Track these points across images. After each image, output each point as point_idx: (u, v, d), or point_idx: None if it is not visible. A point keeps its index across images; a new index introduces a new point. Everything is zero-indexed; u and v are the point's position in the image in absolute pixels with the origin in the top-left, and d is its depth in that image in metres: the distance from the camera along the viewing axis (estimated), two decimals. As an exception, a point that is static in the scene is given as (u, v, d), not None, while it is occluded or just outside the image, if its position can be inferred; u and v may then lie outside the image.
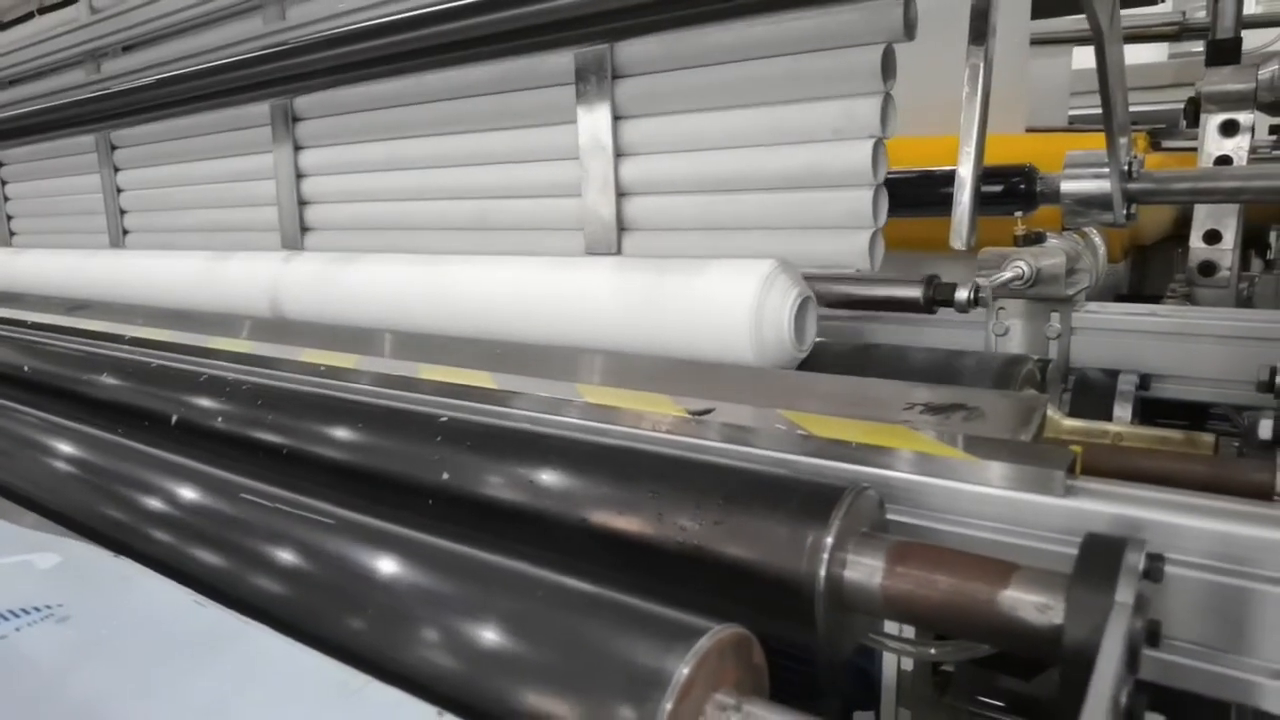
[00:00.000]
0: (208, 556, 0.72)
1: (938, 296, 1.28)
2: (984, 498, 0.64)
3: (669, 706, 0.42)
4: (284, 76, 1.89)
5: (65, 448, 0.93)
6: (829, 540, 0.57)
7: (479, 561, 0.56)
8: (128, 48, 2.71)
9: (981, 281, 1.29)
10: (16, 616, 0.66)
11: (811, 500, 0.59)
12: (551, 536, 0.68)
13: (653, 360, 1.16)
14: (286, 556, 0.65)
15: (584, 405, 0.87)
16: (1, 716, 0.55)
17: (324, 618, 0.59)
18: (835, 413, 0.79)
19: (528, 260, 1.61)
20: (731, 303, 1.16)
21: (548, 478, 0.69)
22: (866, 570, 0.57)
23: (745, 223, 1.48)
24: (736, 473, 0.64)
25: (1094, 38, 1.19)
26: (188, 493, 0.78)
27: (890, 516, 0.66)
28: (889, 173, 1.38)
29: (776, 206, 1.44)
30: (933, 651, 0.66)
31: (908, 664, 1.04)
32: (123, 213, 2.86)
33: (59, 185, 3.13)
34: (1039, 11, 2.11)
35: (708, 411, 0.80)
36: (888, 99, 1.33)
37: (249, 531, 0.70)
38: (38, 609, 0.67)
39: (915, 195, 1.61)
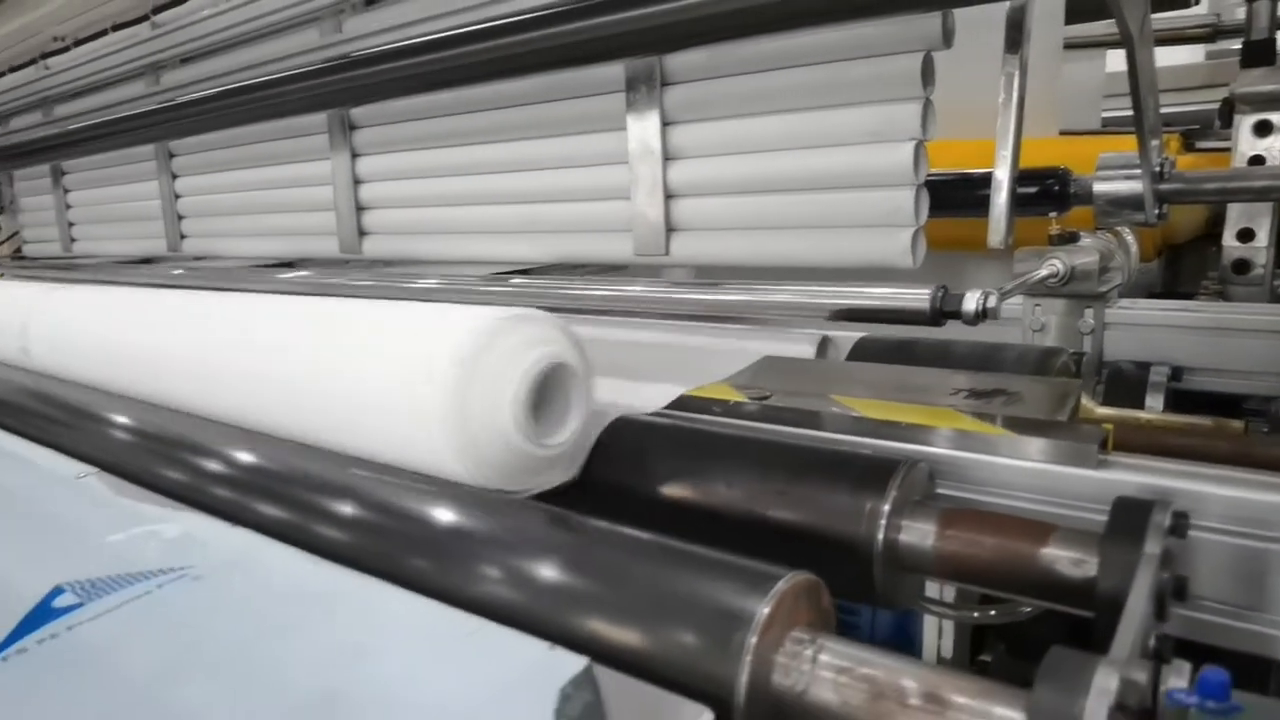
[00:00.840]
0: (314, 525, 0.80)
1: (945, 308, 1.18)
2: (1023, 471, 0.71)
3: (753, 640, 0.49)
4: (342, 89, 1.98)
5: (173, 428, 1.01)
6: (886, 507, 0.64)
7: (574, 520, 0.64)
8: (186, 60, 2.83)
9: (991, 293, 1.26)
10: (155, 576, 0.74)
11: (869, 472, 0.66)
12: (632, 509, 0.76)
13: (702, 355, 1.23)
14: (395, 519, 0.72)
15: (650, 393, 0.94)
16: (164, 657, 0.62)
17: (434, 574, 0.67)
18: (883, 397, 0.86)
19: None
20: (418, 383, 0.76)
21: (631, 454, 0.76)
22: (919, 533, 0.63)
23: (789, 222, 1.55)
24: (799, 448, 0.71)
25: (1124, 42, 1.24)
26: (287, 462, 0.86)
27: (939, 490, 0.72)
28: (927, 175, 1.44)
29: (819, 206, 1.50)
30: (975, 615, 0.72)
31: (948, 646, 1.11)
32: (180, 218, 2.98)
33: (118, 192, 3.26)
34: (1073, 16, 2.16)
35: (766, 397, 0.87)
36: (927, 104, 1.39)
37: (351, 495, 0.78)
38: (173, 569, 0.75)
39: (952, 197, 1.66)
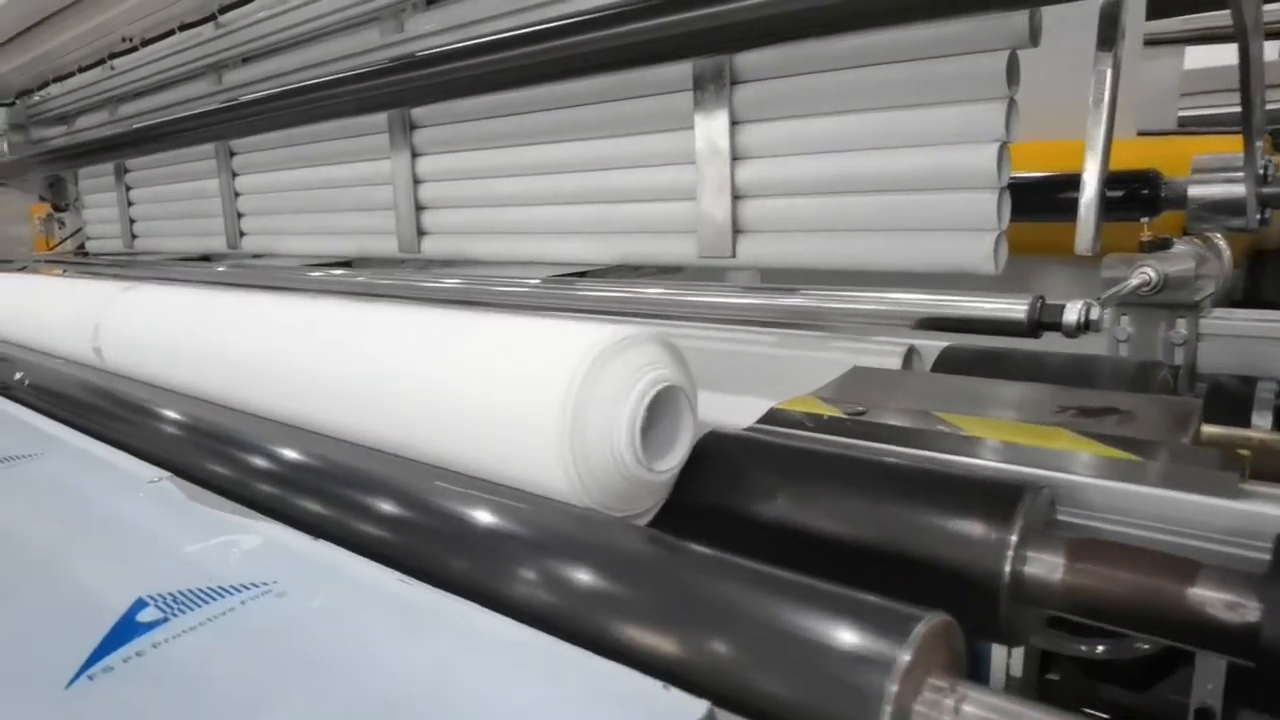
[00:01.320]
0: (400, 538, 0.78)
1: (1044, 319, 1.11)
2: (1153, 499, 0.66)
3: (893, 688, 0.46)
4: (404, 90, 1.97)
5: (257, 438, 1.00)
6: (1013, 537, 0.60)
7: (681, 546, 0.61)
8: (248, 59, 2.86)
9: (1093, 304, 1.19)
10: (239, 591, 0.73)
11: (991, 498, 0.62)
12: (727, 532, 0.72)
13: (780, 364, 1.19)
14: (492, 537, 0.70)
15: (739, 404, 0.91)
16: (253, 677, 0.60)
17: (532, 598, 0.64)
18: (987, 414, 0.81)
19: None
20: (530, 403, 0.71)
21: (725, 473, 0.73)
22: (1047, 566, 0.59)
23: (863, 225, 1.50)
24: (910, 470, 0.67)
25: (1236, 35, 1.17)
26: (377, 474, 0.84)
27: (1059, 517, 0.68)
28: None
29: (896, 209, 1.45)
30: (1100, 649, 0.68)
31: (1017, 665, 1.06)
32: (240, 215, 3.01)
33: (178, 190, 3.31)
34: (1154, 12, 2.08)
35: (861, 412, 0.83)
36: (1011, 103, 1.34)
37: (440, 517, 0.76)
38: (255, 585, 0.73)
39: (1031, 199, 1.60)
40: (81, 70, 3.35)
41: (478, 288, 1.79)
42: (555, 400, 0.67)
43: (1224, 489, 0.63)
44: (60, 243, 4.54)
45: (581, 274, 1.90)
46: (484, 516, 0.69)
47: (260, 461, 0.97)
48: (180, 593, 0.74)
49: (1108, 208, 1.36)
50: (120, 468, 1.08)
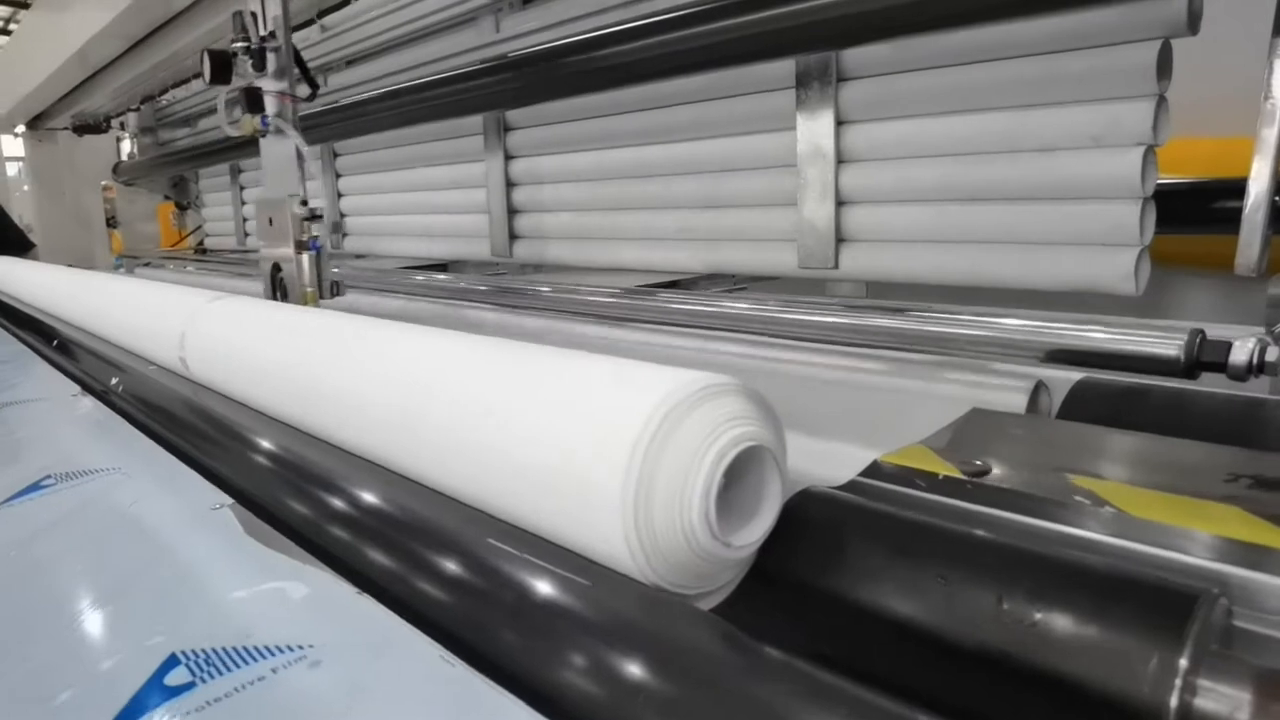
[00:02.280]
0: (445, 601, 0.70)
1: (1204, 357, 0.97)
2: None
3: None
4: (500, 90, 1.92)
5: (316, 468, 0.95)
6: (1183, 661, 0.47)
7: (772, 659, 0.50)
8: (351, 62, 2.88)
9: (1269, 341, 0.99)
10: (273, 655, 0.67)
11: (1154, 605, 0.49)
12: (817, 615, 0.62)
13: (886, 397, 1.06)
14: (544, 613, 0.61)
15: (832, 452, 0.79)
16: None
17: (581, 696, 0.55)
18: (1137, 480, 0.68)
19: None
20: (592, 464, 0.62)
21: (819, 544, 0.62)
22: (1227, 702, 0.46)
23: (980, 235, 1.36)
24: (1049, 561, 0.55)
25: None
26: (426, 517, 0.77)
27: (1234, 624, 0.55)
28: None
29: (1020, 220, 1.30)
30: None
31: None
32: (342, 216, 3.05)
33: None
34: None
35: (984, 472, 0.71)
36: (1160, 101, 1.17)
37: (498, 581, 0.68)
38: (291, 649, 0.67)
39: (1178, 208, 1.42)
40: (196, 75, 3.46)
41: (564, 296, 1.72)
42: (619, 462, 0.57)
43: None
44: (183, 239, 4.74)
45: (668, 284, 1.81)
46: (536, 586, 0.61)
47: (322, 494, 0.92)
48: (215, 651, 0.69)
49: (1277, 219, 1.19)
50: (187, 491, 1.06)
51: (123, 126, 4.33)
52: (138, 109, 4.10)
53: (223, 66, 1.80)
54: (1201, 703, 0.48)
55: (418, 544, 0.72)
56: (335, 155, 3.00)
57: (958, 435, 0.81)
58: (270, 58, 1.78)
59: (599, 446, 0.61)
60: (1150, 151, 1.19)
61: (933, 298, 1.29)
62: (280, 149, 1.84)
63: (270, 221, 1.81)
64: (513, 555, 0.65)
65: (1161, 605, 0.50)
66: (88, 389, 1.66)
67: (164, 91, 3.78)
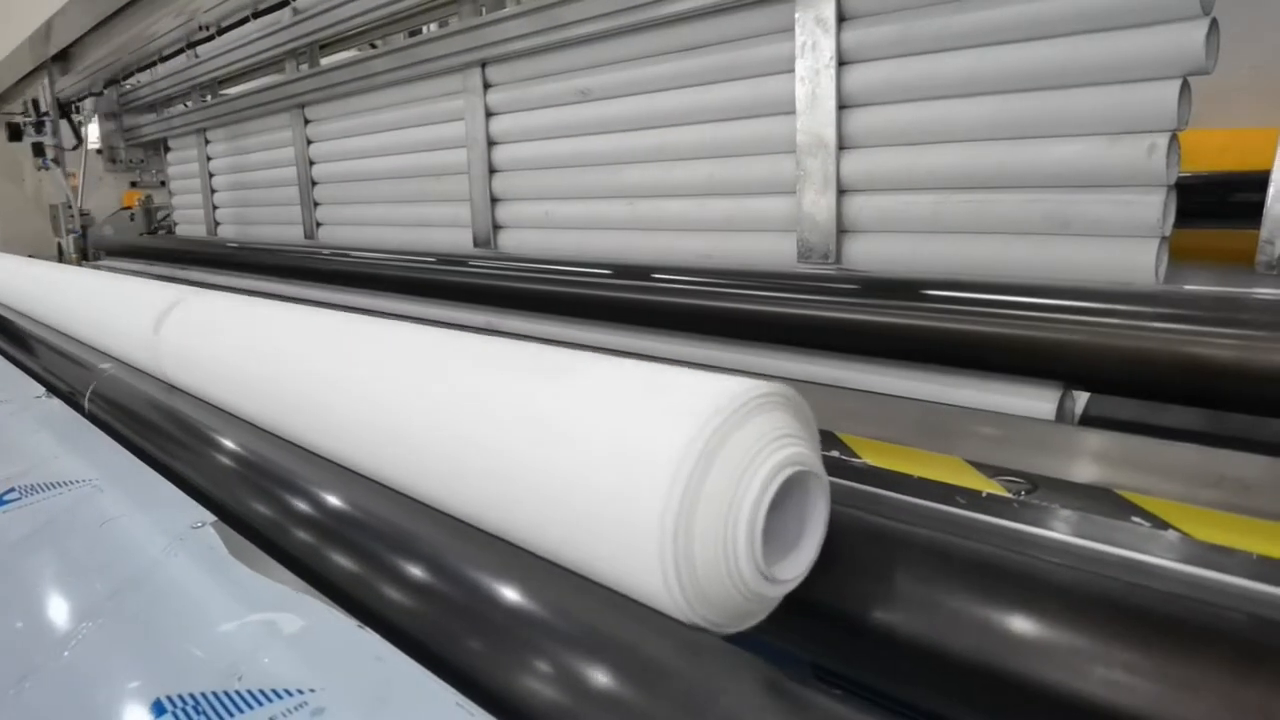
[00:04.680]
0: (458, 639, 0.64)
1: None
2: None
3: None
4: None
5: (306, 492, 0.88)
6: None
7: (820, 705, 0.45)
8: (324, 46, 2.79)
9: None
10: (270, 700, 0.61)
11: (1247, 646, 0.45)
12: (857, 648, 0.57)
13: (903, 405, 1.01)
14: (574, 660, 0.56)
15: (861, 468, 0.75)
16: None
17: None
18: (1193, 498, 0.64)
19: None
20: (624, 493, 0.56)
21: (859, 572, 0.57)
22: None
23: (991, 225, 1.31)
24: (1115, 591, 0.50)
25: None
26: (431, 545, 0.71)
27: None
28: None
29: (1033, 208, 1.26)
30: None
31: None
32: (316, 205, 2.95)
33: (257, 178, 3.28)
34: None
35: (1032, 489, 0.66)
36: (1184, 85, 1.13)
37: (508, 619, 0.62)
38: (290, 693, 0.61)
39: (1195, 199, 1.38)
40: (163, 59, 3.35)
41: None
42: (657, 489, 0.51)
43: None
44: (153, 230, 4.60)
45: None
46: (559, 625, 0.55)
47: (315, 513, 0.85)
48: (204, 696, 0.63)
49: (1293, 211, 1.15)
50: (165, 506, 0.99)
51: (77, 109, 4.19)
52: (101, 93, 3.96)
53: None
54: None
55: (430, 573, 0.66)
56: (309, 142, 2.90)
57: (992, 447, 0.77)
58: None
59: (633, 470, 0.55)
60: (1174, 138, 1.14)
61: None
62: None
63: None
64: (539, 593, 0.60)
65: (1254, 643, 0.46)
66: (54, 391, 1.57)
67: (128, 75, 3.65)
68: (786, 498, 0.56)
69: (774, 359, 1.17)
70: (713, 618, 0.54)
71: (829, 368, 1.09)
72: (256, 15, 2.72)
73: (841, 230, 1.47)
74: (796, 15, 1.42)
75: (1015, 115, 1.25)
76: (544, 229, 2.01)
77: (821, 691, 0.49)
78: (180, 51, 3.30)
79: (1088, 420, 0.94)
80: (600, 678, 0.52)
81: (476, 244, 2.15)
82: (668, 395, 0.58)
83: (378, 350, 0.88)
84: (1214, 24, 1.09)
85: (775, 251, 1.54)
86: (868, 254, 1.44)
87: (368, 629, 0.68)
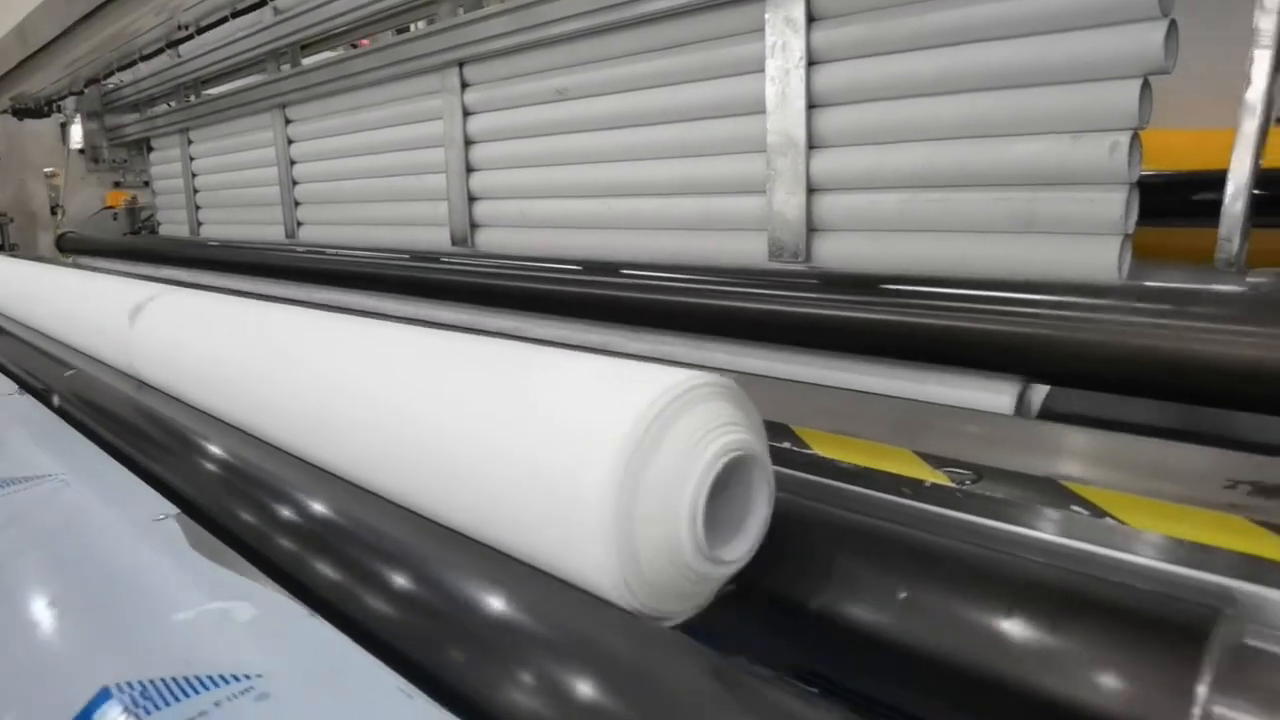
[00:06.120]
0: (407, 625, 0.65)
1: None
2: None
3: None
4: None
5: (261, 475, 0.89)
6: (1201, 688, 0.44)
7: (763, 692, 0.46)
8: (306, 45, 2.79)
9: None
10: (216, 686, 0.61)
11: (1166, 624, 0.46)
12: (799, 634, 0.58)
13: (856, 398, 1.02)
14: (514, 645, 0.56)
15: (812, 458, 0.76)
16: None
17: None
18: (1135, 488, 0.65)
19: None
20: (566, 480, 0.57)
21: (800, 559, 0.58)
22: (1250, 730, 0.43)
23: (958, 223, 1.32)
24: (1048, 577, 0.51)
25: None
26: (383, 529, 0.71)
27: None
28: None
29: (999, 206, 1.27)
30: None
31: None
32: (297, 204, 2.95)
33: (239, 178, 3.27)
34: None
35: (977, 479, 0.67)
36: (1145, 85, 1.14)
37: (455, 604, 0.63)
38: (238, 678, 0.61)
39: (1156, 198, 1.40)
40: (144, 58, 3.34)
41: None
42: (600, 475, 0.52)
43: None
44: (137, 230, 4.59)
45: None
46: (502, 611, 0.56)
47: (273, 504, 0.86)
48: (152, 683, 0.63)
49: (1256, 212, 1.17)
50: (130, 499, 0.99)
51: (59, 109, 4.17)
52: (82, 92, 3.95)
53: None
54: None
55: (378, 562, 0.67)
56: (290, 142, 2.90)
57: (942, 439, 0.78)
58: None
59: (577, 455, 0.56)
60: (1135, 136, 1.16)
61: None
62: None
63: None
64: (479, 577, 0.60)
65: (1172, 623, 0.47)
66: (26, 387, 1.57)
67: (109, 74, 3.64)
68: (731, 483, 0.57)
69: (740, 355, 1.18)
70: (655, 599, 0.55)
71: (795, 364, 1.10)
72: (236, 15, 2.71)
73: (811, 229, 1.48)
74: (766, 15, 1.43)
75: (981, 114, 1.27)
76: (520, 227, 2.01)
77: (763, 679, 0.50)
78: (160, 51, 3.29)
79: (1047, 414, 0.95)
80: (536, 658, 0.53)
81: (454, 242, 2.15)
82: (615, 385, 0.59)
83: (334, 345, 0.89)
84: (1173, 25, 1.11)
85: (748, 250, 1.55)
86: (837, 252, 1.45)
87: (318, 616, 0.68)
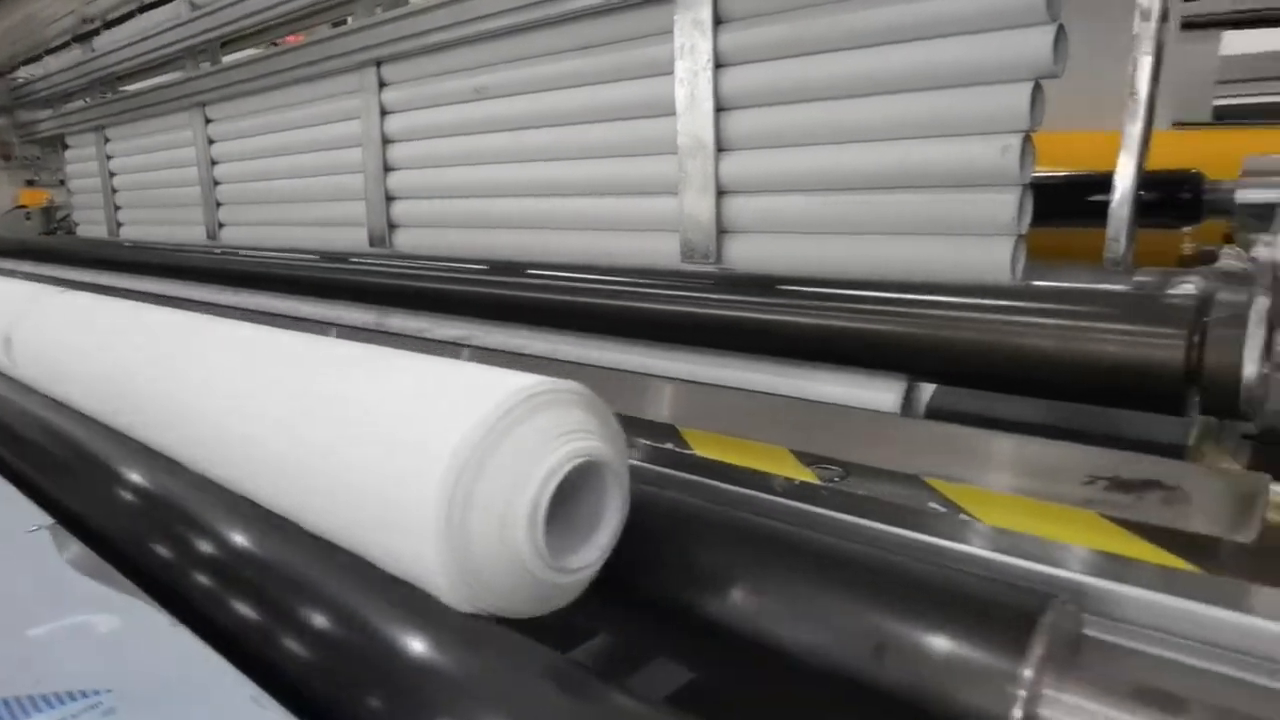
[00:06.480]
0: (265, 633, 0.63)
1: None
2: (1210, 623, 0.51)
3: None
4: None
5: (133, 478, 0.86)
6: (1027, 672, 0.45)
7: (600, 694, 0.46)
8: (226, 43, 2.72)
9: None
10: (64, 703, 0.59)
11: (997, 615, 0.47)
12: (656, 628, 0.58)
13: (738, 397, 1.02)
14: (363, 648, 0.55)
15: (692, 459, 0.76)
16: None
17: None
18: (999, 484, 0.66)
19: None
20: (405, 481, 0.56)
21: (658, 550, 0.58)
22: (1080, 715, 0.44)
23: (863, 226, 1.34)
24: (893, 569, 0.52)
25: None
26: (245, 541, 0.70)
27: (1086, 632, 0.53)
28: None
29: (899, 209, 1.29)
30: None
31: None
32: (218, 205, 2.88)
33: (159, 178, 3.18)
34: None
35: (844, 476, 0.68)
36: (1037, 88, 1.17)
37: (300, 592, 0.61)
38: (88, 694, 0.59)
39: (1052, 200, 1.43)
40: (49, 52, 3.23)
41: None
42: (431, 486, 0.52)
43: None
44: (53, 230, 4.43)
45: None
46: (340, 618, 0.55)
47: (144, 512, 0.83)
48: (3, 704, 0.61)
49: (1142, 213, 1.21)
50: (3, 511, 0.95)
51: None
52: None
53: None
54: (1049, 715, 0.45)
55: (239, 568, 0.65)
56: (211, 141, 2.83)
57: (817, 436, 0.79)
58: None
59: (412, 464, 0.55)
60: (1028, 139, 1.19)
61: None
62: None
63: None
64: (329, 583, 0.59)
65: (1004, 612, 0.48)
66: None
67: (16, 67, 3.51)
68: (583, 489, 0.57)
69: (634, 354, 1.18)
70: (503, 604, 0.54)
71: (694, 364, 1.10)
72: (145, 9, 2.63)
73: (722, 230, 1.48)
74: (675, 17, 1.44)
75: (883, 118, 1.29)
76: (439, 227, 1.99)
77: (606, 680, 0.50)
78: (68, 44, 3.18)
79: (934, 413, 0.96)
80: (388, 672, 0.52)
81: (372, 242, 2.12)
82: (457, 394, 0.59)
83: (194, 348, 0.87)
84: (1061, 30, 1.14)
85: (663, 250, 1.55)
86: (748, 254, 1.46)
87: (182, 627, 0.66)
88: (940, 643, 0.48)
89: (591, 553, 0.57)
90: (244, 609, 0.64)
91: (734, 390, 0.99)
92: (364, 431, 0.60)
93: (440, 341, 1.35)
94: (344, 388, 0.66)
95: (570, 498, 0.55)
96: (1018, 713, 0.45)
